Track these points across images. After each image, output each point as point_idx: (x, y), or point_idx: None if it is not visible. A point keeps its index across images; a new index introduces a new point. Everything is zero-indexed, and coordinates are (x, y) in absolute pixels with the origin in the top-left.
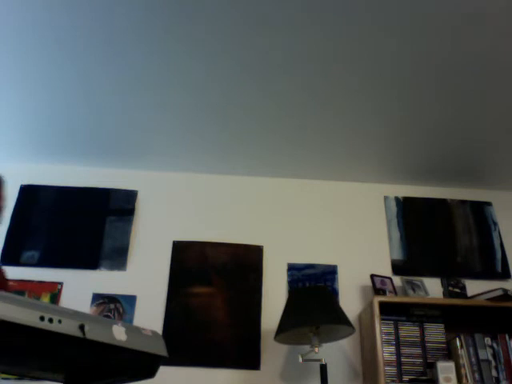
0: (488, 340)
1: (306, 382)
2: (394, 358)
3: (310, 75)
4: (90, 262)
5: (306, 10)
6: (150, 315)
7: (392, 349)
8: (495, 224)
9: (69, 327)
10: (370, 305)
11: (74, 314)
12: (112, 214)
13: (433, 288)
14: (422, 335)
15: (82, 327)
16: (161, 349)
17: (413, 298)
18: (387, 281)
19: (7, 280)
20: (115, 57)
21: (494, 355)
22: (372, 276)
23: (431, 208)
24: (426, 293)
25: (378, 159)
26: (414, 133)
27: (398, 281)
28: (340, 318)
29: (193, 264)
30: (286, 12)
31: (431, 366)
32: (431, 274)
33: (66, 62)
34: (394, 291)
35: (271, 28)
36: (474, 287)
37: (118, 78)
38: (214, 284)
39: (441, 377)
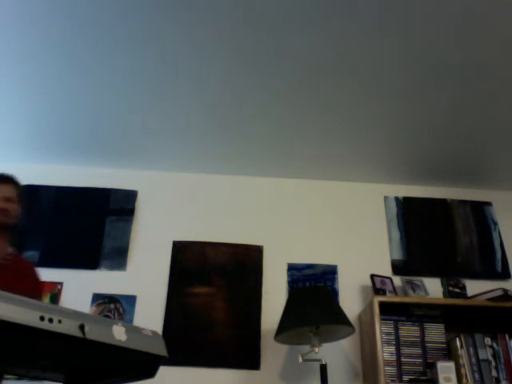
0: (488, 340)
1: (306, 381)
2: (393, 358)
3: (310, 75)
4: (89, 262)
5: (307, 10)
6: (150, 315)
7: (392, 349)
8: (495, 224)
9: (69, 327)
10: (370, 305)
11: (74, 314)
12: (112, 214)
13: (433, 288)
14: (422, 335)
15: (82, 327)
16: (161, 349)
17: (413, 298)
18: (387, 281)
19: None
20: (115, 57)
21: (494, 355)
22: (372, 276)
23: (431, 208)
24: (426, 293)
25: (378, 159)
26: (414, 133)
27: (398, 281)
28: (340, 318)
29: (193, 264)
30: (286, 12)
31: (431, 366)
32: (431, 274)
33: (65, 62)
34: (394, 291)
35: (272, 28)
36: (474, 287)
37: (118, 78)
38: (214, 284)
39: (441, 377)
